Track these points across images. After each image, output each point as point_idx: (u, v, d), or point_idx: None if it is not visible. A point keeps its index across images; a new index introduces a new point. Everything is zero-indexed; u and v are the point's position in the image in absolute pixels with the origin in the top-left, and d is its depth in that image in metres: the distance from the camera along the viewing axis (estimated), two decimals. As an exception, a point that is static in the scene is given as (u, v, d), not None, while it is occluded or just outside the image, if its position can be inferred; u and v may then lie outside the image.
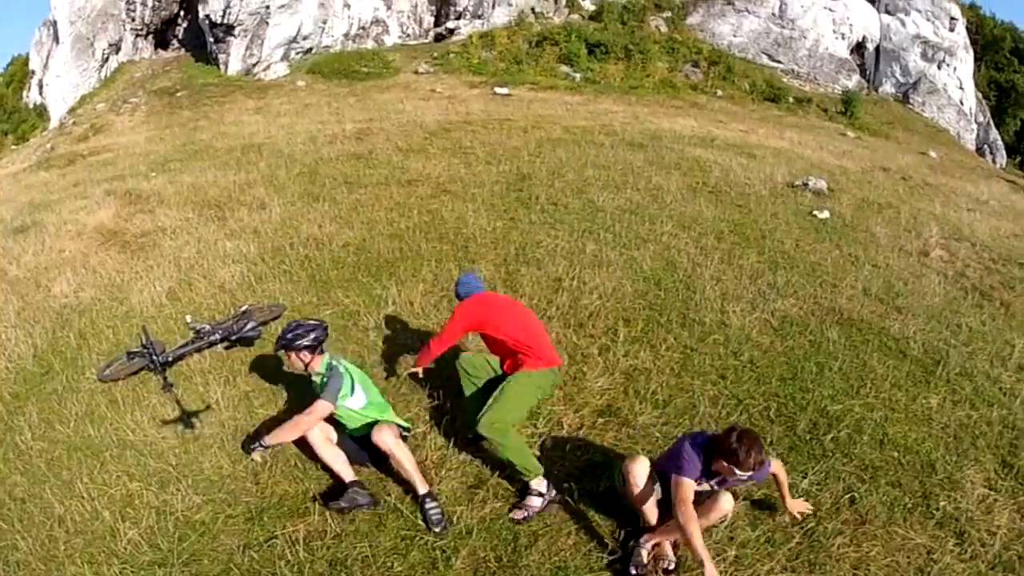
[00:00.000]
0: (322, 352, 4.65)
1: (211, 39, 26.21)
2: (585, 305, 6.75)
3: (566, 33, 27.40)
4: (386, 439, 4.27)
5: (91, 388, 5.71)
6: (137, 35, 30.78)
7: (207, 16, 25.38)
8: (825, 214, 10.98)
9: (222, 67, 26.07)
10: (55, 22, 28.82)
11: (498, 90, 21.47)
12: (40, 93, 32.89)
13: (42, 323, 7.09)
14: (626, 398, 5.50)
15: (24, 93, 36.37)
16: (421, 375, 5.02)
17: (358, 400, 4.53)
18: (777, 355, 6.28)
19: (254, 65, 26.32)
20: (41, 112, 32.62)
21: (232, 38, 25.70)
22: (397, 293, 6.84)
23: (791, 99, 27.31)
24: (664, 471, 3.97)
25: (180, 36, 32.86)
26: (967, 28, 33.96)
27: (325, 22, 28.52)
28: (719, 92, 25.97)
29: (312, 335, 4.53)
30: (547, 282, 7.22)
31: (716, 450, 3.70)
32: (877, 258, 9.30)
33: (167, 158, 15.74)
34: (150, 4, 30.56)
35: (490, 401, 4.41)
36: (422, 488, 4.30)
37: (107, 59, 28.98)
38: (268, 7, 25.95)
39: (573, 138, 14.50)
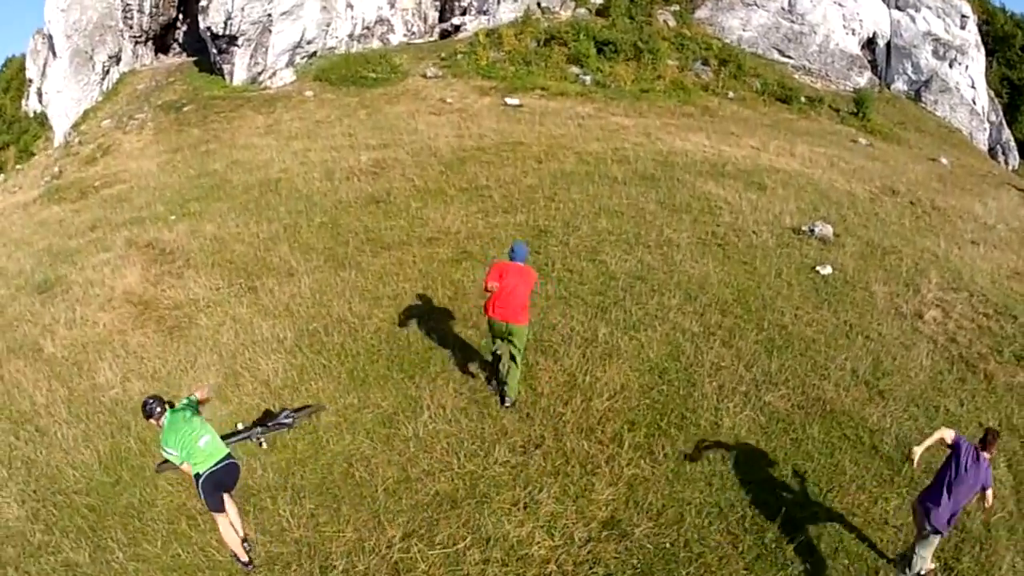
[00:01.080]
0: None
1: (214, 50, 26.49)
2: (596, 408, 7.51)
3: (574, 32, 27.55)
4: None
5: (166, 503, 6.50)
6: (136, 42, 30.98)
7: (208, 28, 25.62)
8: (828, 270, 11.61)
9: (227, 77, 26.42)
10: (50, 36, 28.98)
11: (508, 100, 21.88)
12: (40, 101, 33.27)
13: (96, 421, 7.85)
14: (627, 509, 6.29)
15: (23, 101, 36.77)
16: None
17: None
18: (760, 458, 7.08)
19: (259, 73, 26.66)
20: (42, 121, 33.05)
21: (236, 48, 25.99)
22: (430, 397, 7.59)
23: (803, 99, 27.53)
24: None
25: (180, 40, 33.11)
26: (978, 25, 33.83)
27: (328, 24, 28.71)
28: (731, 94, 26.23)
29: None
30: (563, 378, 7.96)
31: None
32: (871, 327, 9.98)
33: (183, 196, 16.35)
34: (147, 11, 30.71)
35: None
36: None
37: (108, 71, 29.24)
38: (270, 15, 26.18)
39: (586, 170, 15.06)
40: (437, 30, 31.53)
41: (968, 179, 24.15)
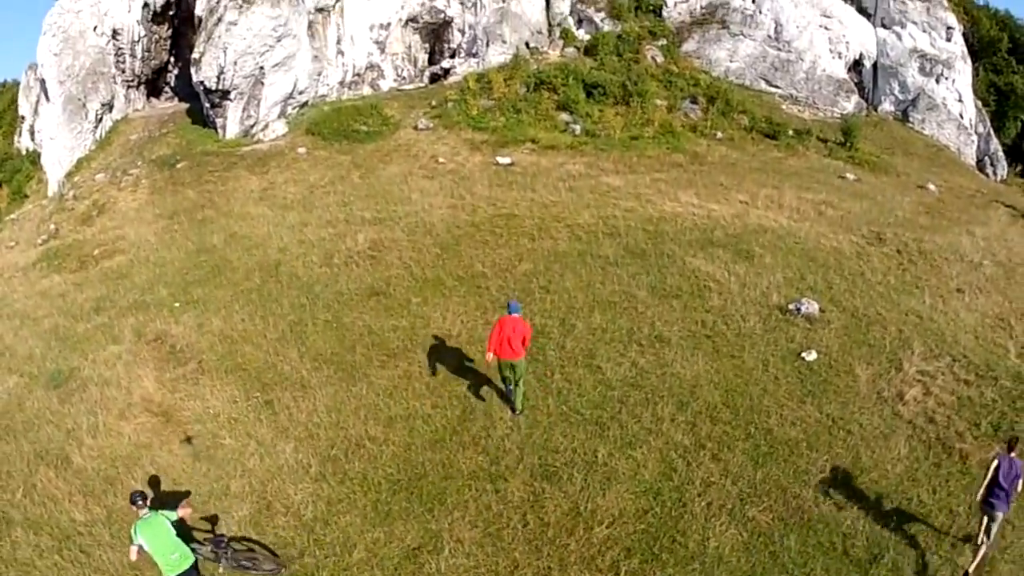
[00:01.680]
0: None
1: (207, 104, 27.29)
2: (597, 536, 8.45)
3: (563, 76, 28.46)
4: None
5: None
6: (129, 86, 31.80)
7: (201, 82, 26.41)
8: (813, 355, 12.57)
9: (220, 131, 27.21)
10: (43, 80, 29.73)
11: (499, 159, 22.78)
12: (32, 139, 34.04)
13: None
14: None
15: (15, 137, 37.58)
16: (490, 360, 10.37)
17: None
18: (741, 574, 8.09)
19: (252, 126, 27.47)
20: (34, 160, 33.78)
21: (228, 102, 26.78)
22: (449, 531, 8.51)
23: (791, 132, 28.50)
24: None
25: (172, 84, 33.95)
26: (964, 33, 34.79)
27: (320, 73, 29.57)
28: (719, 134, 27.20)
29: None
30: (567, 506, 8.89)
31: None
32: (852, 419, 10.96)
33: (185, 277, 17.17)
34: (139, 55, 31.57)
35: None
36: None
37: (101, 119, 30.02)
38: (262, 67, 26.98)
39: (579, 249, 16.00)
40: (427, 74, 32.40)
41: (956, 204, 25.23)
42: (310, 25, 29.00)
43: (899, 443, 10.73)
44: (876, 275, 16.52)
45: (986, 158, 33.69)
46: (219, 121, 27.17)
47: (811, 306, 14.07)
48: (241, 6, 26.16)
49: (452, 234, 16.98)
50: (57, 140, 28.53)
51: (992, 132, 34.75)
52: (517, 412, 10.66)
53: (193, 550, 7.62)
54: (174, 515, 7.52)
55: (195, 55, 26.78)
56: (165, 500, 9.16)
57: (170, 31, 32.67)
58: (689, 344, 12.47)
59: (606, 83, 28.35)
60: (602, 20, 32.86)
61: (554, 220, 17.78)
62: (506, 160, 22.61)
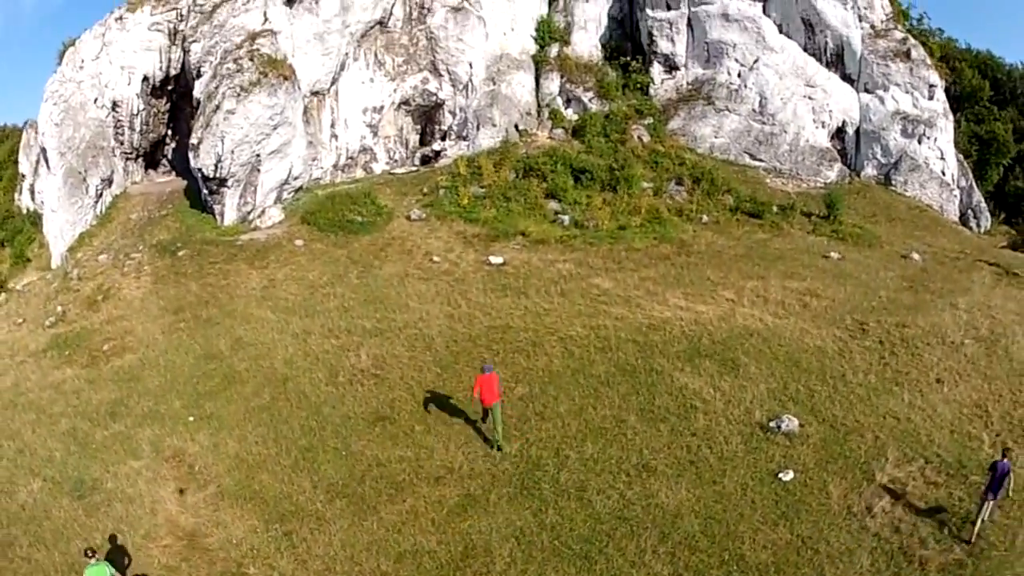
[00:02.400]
0: None
1: (205, 190, 29.15)
2: None
3: (551, 162, 30.53)
4: None
5: None
6: (127, 159, 33.76)
7: (199, 169, 28.31)
8: (789, 475, 14.28)
9: (218, 217, 29.02)
10: (44, 149, 31.44)
11: (492, 258, 24.63)
12: (32, 199, 35.78)
13: None
14: None
15: (16, 195, 39.35)
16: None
17: None
18: None
19: (249, 213, 29.32)
20: (35, 220, 35.51)
21: (226, 189, 28.66)
22: None
23: (775, 209, 30.54)
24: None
25: (169, 156, 35.90)
26: (946, 86, 36.96)
27: (314, 158, 31.60)
28: (704, 217, 29.22)
29: None
30: None
31: None
32: (821, 539, 12.65)
33: (196, 388, 18.77)
34: (138, 128, 33.60)
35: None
36: None
37: (101, 194, 31.83)
38: (259, 155, 28.96)
39: (572, 368, 17.80)
40: (418, 155, 34.49)
41: (940, 271, 27.13)
42: (305, 110, 31.13)
43: (862, 557, 12.40)
44: (857, 375, 18.35)
45: (969, 211, 35.80)
46: (217, 208, 29.01)
47: (791, 423, 15.83)
48: (239, 94, 28.19)
49: (451, 350, 18.70)
50: (58, 213, 30.33)
51: (974, 185, 36.94)
52: (496, 448, 14.85)
53: None
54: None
55: (193, 140, 28.75)
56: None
57: (168, 105, 34.74)
58: (674, 472, 14.15)
59: (593, 168, 30.46)
60: (590, 100, 35.16)
61: (548, 332, 19.55)
62: (498, 260, 24.45)
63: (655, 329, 19.90)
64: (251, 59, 28.67)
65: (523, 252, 25.51)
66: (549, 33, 36.53)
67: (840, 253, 27.51)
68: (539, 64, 36.19)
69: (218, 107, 27.90)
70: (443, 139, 34.27)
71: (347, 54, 32.58)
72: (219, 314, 22.69)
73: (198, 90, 30.27)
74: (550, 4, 37.45)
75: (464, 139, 33.81)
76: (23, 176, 37.76)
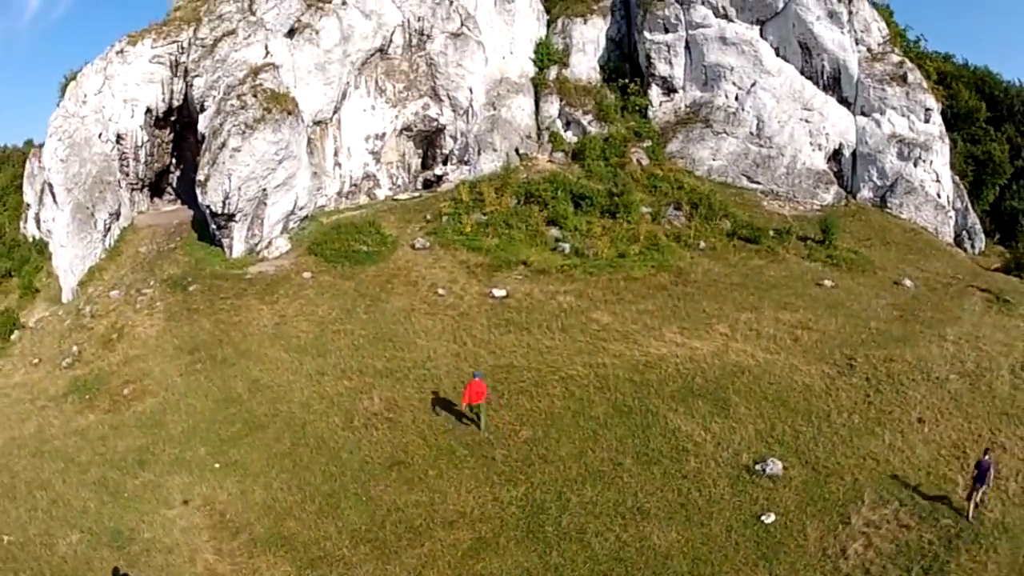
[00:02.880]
0: None
1: (213, 225, 31.02)
2: None
3: (552, 188, 32.42)
4: None
5: None
6: (133, 189, 35.62)
7: (208, 206, 30.19)
8: (771, 518, 16.25)
9: (227, 251, 30.91)
10: (51, 184, 33.17)
11: (495, 291, 26.54)
12: (38, 227, 37.61)
13: None
14: None
15: (21, 224, 41.20)
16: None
17: None
18: None
19: (256, 244, 31.23)
20: (41, 249, 37.24)
21: (234, 223, 30.54)
22: None
23: (771, 233, 32.46)
24: None
25: (174, 184, 37.79)
26: (943, 109, 38.86)
27: (319, 188, 33.49)
28: (702, 243, 31.12)
29: None
30: None
31: None
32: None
33: (219, 434, 20.65)
34: (143, 159, 35.46)
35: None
36: None
37: (109, 228, 33.67)
38: (265, 189, 30.83)
39: (572, 410, 19.79)
40: (420, 179, 36.40)
41: (931, 298, 29.14)
42: (309, 141, 33.00)
43: None
44: (842, 415, 20.28)
45: (964, 233, 37.76)
46: (225, 241, 30.92)
47: (775, 466, 17.80)
48: (244, 132, 30.05)
49: (458, 391, 20.61)
50: (67, 248, 32.10)
51: (970, 206, 38.89)
52: (482, 429, 19.32)
53: None
54: None
55: (200, 177, 30.61)
56: None
57: (172, 135, 36.57)
58: (665, 515, 16.15)
59: (593, 195, 32.38)
60: (589, 122, 37.02)
61: (549, 371, 21.52)
62: (501, 292, 26.37)
63: (651, 367, 21.86)
64: (255, 95, 30.48)
65: (525, 283, 27.44)
66: (548, 55, 38.34)
67: (833, 280, 29.48)
68: (538, 87, 38.01)
69: (224, 144, 29.72)
70: (445, 163, 36.15)
71: (348, 83, 34.39)
72: (234, 354, 24.59)
73: (202, 124, 32.09)
74: (548, 26, 39.26)
75: (466, 163, 35.68)
76: (28, 205, 39.56)
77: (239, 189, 29.77)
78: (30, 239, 38.93)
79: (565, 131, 37.65)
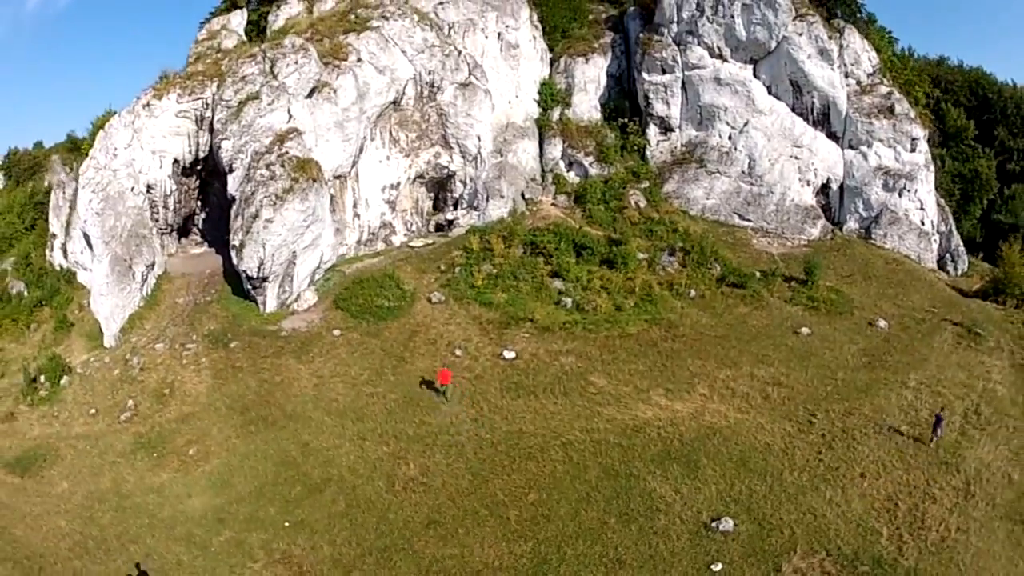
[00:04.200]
0: None
1: (248, 285, 38.98)
2: None
3: (555, 240, 40.14)
4: None
5: None
6: (162, 234, 43.54)
7: (244, 271, 38.13)
8: (719, 567, 24.28)
9: (261, 306, 38.92)
10: (88, 235, 40.82)
11: (506, 354, 34.61)
12: (64, 257, 45.61)
13: None
14: None
15: (47, 252, 49.19)
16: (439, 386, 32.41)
17: None
18: None
19: (287, 299, 39.27)
20: (69, 279, 45.08)
21: (267, 284, 38.53)
22: None
23: (757, 275, 40.23)
24: None
25: (200, 226, 45.70)
26: (930, 132, 45.92)
27: (341, 241, 41.37)
28: (692, 292, 38.99)
29: None
30: None
31: None
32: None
33: (284, 495, 28.62)
34: (172, 207, 43.42)
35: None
36: None
37: (146, 278, 41.60)
38: (295, 252, 38.73)
39: (571, 475, 27.78)
40: (432, 223, 44.15)
41: (902, 340, 37.04)
42: (331, 200, 40.72)
43: None
44: (794, 473, 28.14)
45: (947, 255, 45.40)
46: (259, 298, 38.95)
47: (727, 523, 25.88)
48: (275, 203, 37.79)
49: (478, 456, 28.83)
50: (107, 297, 40.04)
51: (954, 228, 46.47)
52: (447, 400, 30.97)
53: None
54: None
55: (235, 242, 38.43)
56: None
57: (197, 182, 44.32)
58: (638, 564, 24.35)
59: (593, 244, 40.17)
60: (590, 164, 44.53)
61: (552, 436, 29.67)
62: (511, 354, 34.44)
63: (638, 431, 29.98)
64: (282, 164, 38.07)
65: (531, 342, 35.48)
66: (551, 96, 45.67)
67: (810, 327, 37.36)
68: (542, 128, 45.45)
69: (256, 215, 37.45)
70: (455, 207, 43.87)
71: (364, 136, 41.88)
72: (282, 416, 32.72)
73: (232, 187, 39.74)
74: (551, 65, 46.36)
75: (475, 209, 43.41)
76: (54, 235, 47.47)
77: (272, 256, 37.61)
78: (57, 267, 46.69)
79: (568, 171, 45.21)
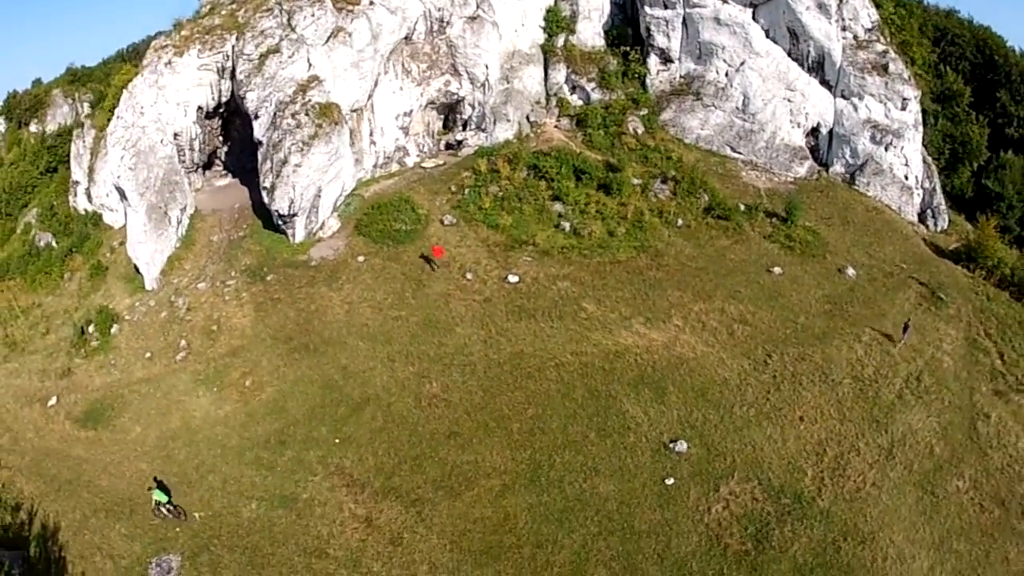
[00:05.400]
0: None
1: (279, 221, 48.63)
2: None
3: (557, 164, 49.49)
4: None
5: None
6: (189, 172, 53.36)
7: (276, 210, 47.80)
8: (671, 481, 35.68)
9: (291, 238, 48.96)
10: (122, 189, 49.45)
11: (510, 279, 45.18)
12: (89, 201, 54.94)
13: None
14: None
15: (70, 199, 57.81)
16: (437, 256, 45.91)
17: None
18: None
19: (313, 228, 49.58)
20: (96, 221, 54.07)
21: (296, 218, 48.58)
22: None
23: (742, 208, 50.08)
24: None
25: (223, 159, 55.45)
26: (920, 102, 51.91)
27: (360, 168, 51.13)
28: (680, 221, 48.96)
29: None
30: None
31: None
32: (674, 521, 34.56)
33: (332, 415, 40.11)
34: (197, 148, 52.97)
35: None
36: None
37: (180, 221, 51.11)
38: (320, 187, 48.64)
39: (561, 392, 39.11)
40: (443, 142, 53.58)
41: (866, 291, 45.68)
42: (350, 133, 50.18)
43: (691, 535, 34.14)
44: (743, 408, 38.56)
45: (929, 211, 53.53)
46: (289, 231, 49.03)
47: (682, 445, 37.00)
48: (302, 149, 47.09)
49: (488, 375, 39.71)
50: (146, 244, 49.19)
51: (938, 186, 53.57)
52: (435, 268, 44.57)
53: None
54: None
55: (266, 184, 47.94)
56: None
57: (220, 121, 53.61)
58: (609, 473, 35.87)
59: (592, 168, 49.59)
60: (592, 89, 53.42)
61: (548, 357, 40.53)
62: (514, 279, 44.99)
63: (619, 356, 40.82)
64: (306, 113, 47.12)
65: (533, 266, 45.87)
66: (556, 22, 53.89)
67: (782, 267, 46.84)
68: (547, 54, 54.01)
69: (285, 160, 46.67)
70: (464, 128, 53.18)
71: (379, 72, 50.74)
72: (321, 343, 42.90)
73: (259, 132, 48.65)
74: (557, -9, 54.30)
75: (483, 131, 52.86)
76: (76, 182, 55.63)
77: (301, 195, 47.38)
78: (82, 211, 54.34)
79: (571, 95, 53.98)
